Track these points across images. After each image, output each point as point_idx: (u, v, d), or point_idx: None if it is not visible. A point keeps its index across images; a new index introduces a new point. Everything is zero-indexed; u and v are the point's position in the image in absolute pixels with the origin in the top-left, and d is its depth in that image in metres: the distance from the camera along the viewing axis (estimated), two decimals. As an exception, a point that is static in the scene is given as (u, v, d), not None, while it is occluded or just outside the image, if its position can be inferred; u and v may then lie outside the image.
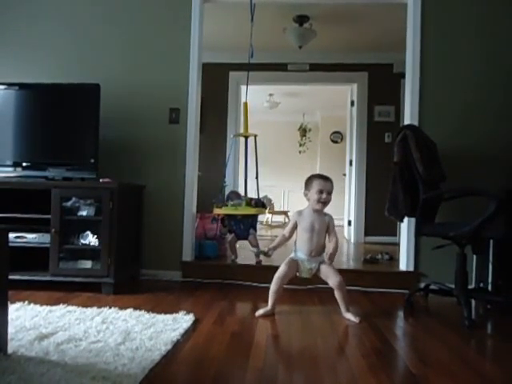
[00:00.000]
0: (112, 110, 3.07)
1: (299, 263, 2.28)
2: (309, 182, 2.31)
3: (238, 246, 3.35)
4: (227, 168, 3.50)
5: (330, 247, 2.30)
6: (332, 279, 2.24)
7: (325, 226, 2.29)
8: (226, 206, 3.21)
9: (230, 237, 3.31)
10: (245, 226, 3.25)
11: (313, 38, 4.22)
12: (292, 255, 2.31)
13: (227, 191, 3.63)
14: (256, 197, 3.31)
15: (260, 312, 2.24)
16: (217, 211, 3.27)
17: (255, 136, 3.44)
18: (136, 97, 3.20)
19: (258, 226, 3.72)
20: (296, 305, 2.48)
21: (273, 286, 2.27)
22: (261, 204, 3.25)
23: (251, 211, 3.18)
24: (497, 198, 2.13)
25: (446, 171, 2.60)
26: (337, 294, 2.26)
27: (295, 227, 2.32)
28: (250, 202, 3.18)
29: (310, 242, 2.26)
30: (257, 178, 3.45)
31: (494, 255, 2.63)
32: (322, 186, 2.24)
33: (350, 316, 2.22)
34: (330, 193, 2.26)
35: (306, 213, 2.31)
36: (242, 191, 3.60)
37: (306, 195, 2.32)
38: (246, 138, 3.47)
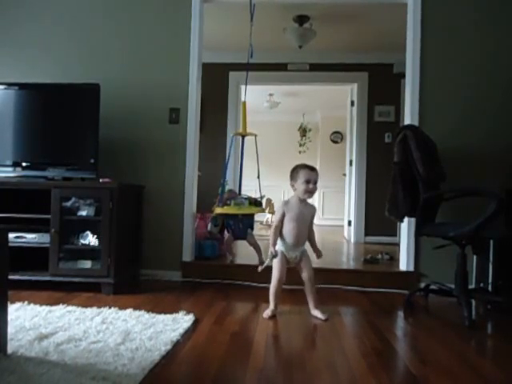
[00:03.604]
0: (112, 110, 3.07)
1: (285, 253, 2.29)
2: (294, 172, 2.32)
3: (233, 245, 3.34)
4: (227, 167, 3.47)
5: (313, 243, 2.36)
6: (306, 272, 2.29)
7: (311, 216, 2.34)
8: (227, 205, 3.19)
9: (226, 236, 3.29)
10: (244, 225, 3.23)
11: (313, 37, 4.22)
12: (277, 247, 2.31)
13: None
14: (255, 196, 3.31)
15: (268, 313, 2.23)
16: (218, 210, 3.23)
17: (255, 136, 3.43)
18: (136, 97, 3.20)
19: (258, 225, 3.70)
20: (296, 305, 2.47)
21: (272, 288, 2.27)
22: (259, 203, 3.25)
23: (254, 210, 3.16)
24: (497, 198, 2.13)
25: (446, 171, 2.60)
26: (307, 289, 2.28)
27: (283, 216, 2.30)
28: (252, 201, 3.17)
29: (296, 232, 2.27)
30: (258, 177, 3.44)
31: (493, 255, 2.63)
32: (309, 175, 2.25)
33: (317, 313, 2.23)
34: (315, 182, 2.27)
35: (293, 202, 2.31)
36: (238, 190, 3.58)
37: (292, 186, 2.32)
38: (243, 136, 3.46)
